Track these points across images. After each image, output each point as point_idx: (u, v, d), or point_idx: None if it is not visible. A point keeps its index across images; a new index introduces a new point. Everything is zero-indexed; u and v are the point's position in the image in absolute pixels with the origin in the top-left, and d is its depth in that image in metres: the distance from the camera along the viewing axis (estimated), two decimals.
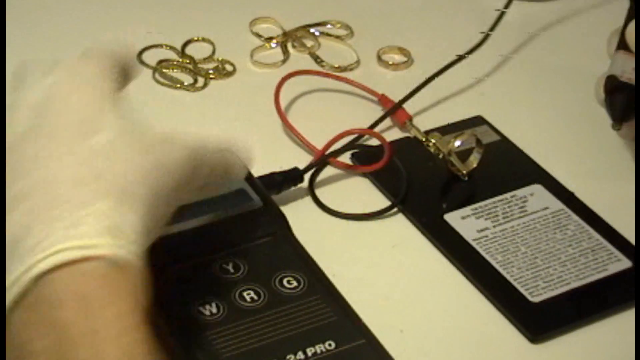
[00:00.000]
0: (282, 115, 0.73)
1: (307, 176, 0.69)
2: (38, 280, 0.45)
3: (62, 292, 0.45)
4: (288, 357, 0.56)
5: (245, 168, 0.58)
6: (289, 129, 0.72)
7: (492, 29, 0.78)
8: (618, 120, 0.67)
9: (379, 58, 0.80)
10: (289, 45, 0.81)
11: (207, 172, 0.55)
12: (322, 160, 0.70)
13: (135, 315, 0.46)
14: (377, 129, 0.71)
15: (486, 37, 0.78)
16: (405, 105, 0.73)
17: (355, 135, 0.70)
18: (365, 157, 0.70)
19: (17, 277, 0.45)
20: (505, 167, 0.71)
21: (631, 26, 0.66)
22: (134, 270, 0.48)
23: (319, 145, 0.70)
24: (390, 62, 0.79)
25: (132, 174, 0.50)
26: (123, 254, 0.47)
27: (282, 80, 0.74)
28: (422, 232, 0.66)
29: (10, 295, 0.45)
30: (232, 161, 0.57)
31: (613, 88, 0.67)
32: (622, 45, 0.68)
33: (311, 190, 0.68)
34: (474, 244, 0.64)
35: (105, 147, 0.50)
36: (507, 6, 0.80)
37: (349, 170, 0.70)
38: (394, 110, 0.73)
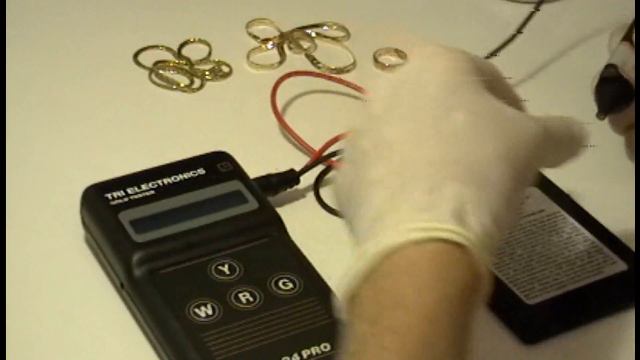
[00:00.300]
0: (278, 116, 0.73)
1: (303, 178, 0.69)
2: (383, 257, 0.47)
3: (399, 267, 0.47)
4: (283, 359, 0.56)
5: (586, 138, 0.56)
6: (286, 130, 0.72)
7: (520, 29, 0.78)
8: (604, 110, 0.65)
9: (375, 60, 0.80)
10: (286, 46, 0.81)
11: (553, 147, 0.54)
12: (318, 162, 0.70)
13: (450, 305, 0.46)
14: None
15: (513, 37, 0.77)
16: None
17: None
18: None
19: (364, 251, 0.47)
20: None
21: None
22: (469, 260, 0.47)
23: (315, 146, 0.70)
24: (387, 64, 0.79)
25: (486, 158, 0.49)
26: (463, 242, 0.47)
27: (279, 81, 0.74)
28: None
29: (357, 269, 0.47)
30: (575, 132, 0.56)
31: (609, 77, 0.66)
32: (629, 37, 0.66)
33: (316, 190, 0.68)
34: None
35: (460, 130, 0.50)
36: (538, 6, 0.79)
37: None
38: None
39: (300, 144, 0.71)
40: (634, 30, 0.66)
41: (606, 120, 0.68)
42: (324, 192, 0.69)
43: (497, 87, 0.54)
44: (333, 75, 0.77)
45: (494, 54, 0.76)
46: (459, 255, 0.47)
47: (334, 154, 0.69)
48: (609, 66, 0.66)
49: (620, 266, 0.64)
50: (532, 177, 0.52)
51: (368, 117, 0.52)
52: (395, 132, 0.50)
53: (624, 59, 0.65)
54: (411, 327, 0.45)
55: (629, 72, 0.65)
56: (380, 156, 0.50)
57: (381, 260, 0.47)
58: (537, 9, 0.79)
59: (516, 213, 0.51)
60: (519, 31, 0.78)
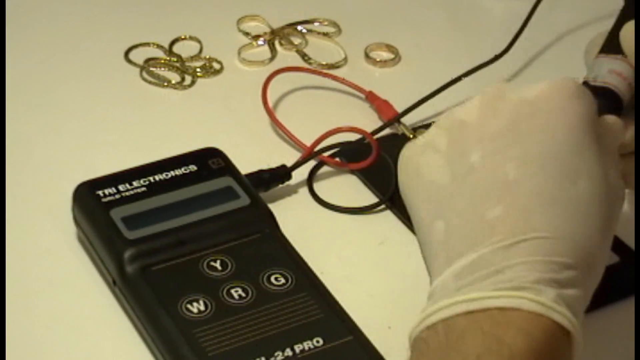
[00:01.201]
0: (270, 112, 0.73)
1: (295, 173, 0.69)
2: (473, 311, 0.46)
3: (481, 324, 0.45)
4: (276, 354, 0.56)
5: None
6: (277, 126, 0.72)
7: (520, 31, 0.77)
8: None
9: (367, 55, 0.80)
10: (277, 43, 0.81)
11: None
12: (310, 157, 0.70)
13: None
14: (362, 125, 0.71)
15: (516, 38, 0.77)
16: (392, 102, 0.74)
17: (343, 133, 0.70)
18: (352, 154, 0.70)
19: (449, 298, 0.47)
20: None
21: (628, 25, 0.61)
22: (570, 349, 0.46)
23: (307, 142, 0.70)
24: (378, 59, 0.80)
25: (595, 239, 0.48)
26: (570, 330, 0.46)
27: (270, 77, 0.74)
28: (410, 229, 0.66)
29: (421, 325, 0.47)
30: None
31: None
32: (605, 49, 0.62)
33: (309, 185, 0.68)
34: None
35: (579, 201, 0.47)
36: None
37: (337, 168, 0.70)
38: (393, 122, 0.72)
39: (292, 140, 0.71)
40: (620, 38, 0.61)
41: None
42: (317, 187, 0.69)
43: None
44: (324, 70, 0.77)
45: (505, 51, 0.75)
46: (564, 343, 0.46)
47: (325, 149, 0.69)
48: (583, 84, 0.60)
49: (612, 258, 0.64)
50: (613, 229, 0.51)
51: (480, 130, 0.49)
52: (517, 167, 0.48)
53: (596, 72, 0.60)
54: None
55: (606, 79, 0.59)
56: (497, 189, 0.48)
57: (448, 320, 0.46)
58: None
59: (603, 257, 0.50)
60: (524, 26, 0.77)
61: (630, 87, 0.60)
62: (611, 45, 0.61)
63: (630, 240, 0.65)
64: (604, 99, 0.58)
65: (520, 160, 0.48)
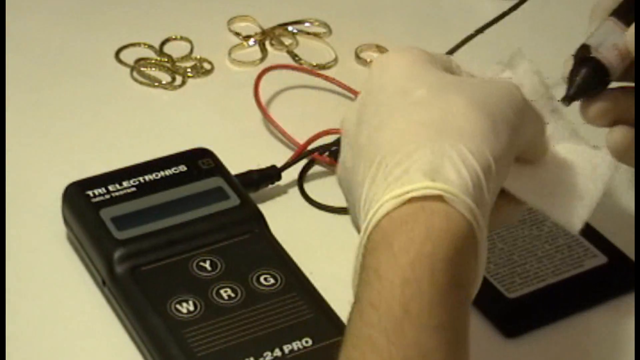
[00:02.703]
0: (262, 109, 0.73)
1: (285, 174, 0.69)
2: (369, 238, 0.47)
3: (377, 241, 0.47)
4: (265, 354, 0.56)
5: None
6: (270, 123, 0.72)
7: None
8: (568, 95, 0.58)
9: (357, 56, 0.80)
10: (267, 43, 0.81)
11: (531, 132, 0.53)
12: (300, 158, 0.70)
13: (428, 262, 0.45)
14: None
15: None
16: None
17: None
18: None
19: (363, 231, 0.48)
20: None
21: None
22: (447, 209, 0.46)
23: (296, 142, 0.70)
24: (368, 60, 0.80)
25: (458, 110, 0.49)
26: (437, 193, 0.46)
27: (261, 74, 0.74)
28: None
29: (358, 254, 0.49)
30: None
31: (581, 60, 0.59)
32: (618, 12, 0.60)
33: (300, 185, 0.68)
34: None
35: (425, 98, 0.50)
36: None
37: (328, 167, 0.70)
38: None
39: (285, 137, 0.71)
40: (623, 5, 0.60)
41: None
42: (308, 187, 0.69)
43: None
44: (314, 70, 0.77)
45: (479, 31, 0.75)
46: (434, 208, 0.46)
47: (315, 150, 0.69)
48: (582, 47, 0.59)
49: (601, 259, 0.64)
50: (513, 133, 0.51)
51: (345, 145, 0.53)
52: (366, 135, 0.51)
53: (603, 38, 0.59)
54: (388, 296, 0.45)
55: (605, 53, 0.58)
56: (357, 163, 0.51)
57: (367, 242, 0.47)
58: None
59: (503, 160, 0.50)
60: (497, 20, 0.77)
61: (626, 64, 0.59)
62: (625, 9, 0.60)
63: (617, 241, 0.65)
64: (594, 74, 0.58)
65: (367, 125, 0.51)
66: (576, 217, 0.55)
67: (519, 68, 0.58)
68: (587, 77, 0.58)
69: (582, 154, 0.58)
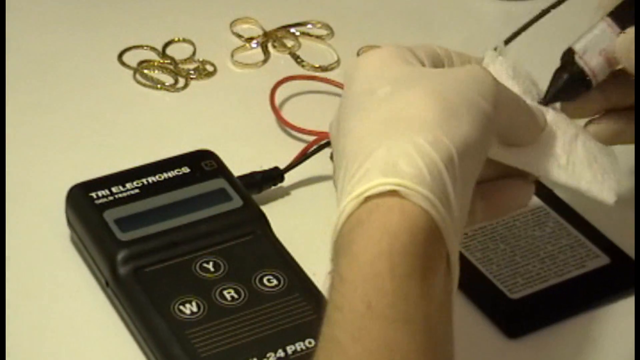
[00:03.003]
0: (278, 115, 0.73)
1: (287, 175, 0.69)
2: (334, 244, 0.48)
3: (340, 245, 0.47)
4: (268, 355, 0.56)
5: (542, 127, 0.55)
6: (285, 125, 0.72)
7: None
8: (546, 98, 0.58)
9: None
10: (270, 45, 0.81)
11: (508, 115, 0.52)
12: (302, 159, 0.70)
13: (387, 258, 0.45)
14: None
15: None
16: None
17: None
18: None
19: (330, 238, 0.48)
20: None
21: (626, 36, 0.57)
22: (404, 203, 0.46)
23: (299, 144, 0.71)
24: None
25: (413, 103, 0.49)
26: (392, 188, 0.46)
27: (277, 85, 0.74)
28: None
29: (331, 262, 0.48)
30: (538, 115, 0.54)
31: (563, 64, 0.58)
32: (614, 14, 0.57)
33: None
34: None
35: (385, 97, 0.50)
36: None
37: (329, 170, 0.70)
38: None
39: (299, 131, 0.72)
40: (620, 8, 0.58)
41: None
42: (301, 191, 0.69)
43: (446, 63, 0.54)
44: (319, 74, 0.77)
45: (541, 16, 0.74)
46: (390, 204, 0.46)
47: (317, 150, 0.69)
48: (568, 50, 0.58)
49: (603, 260, 0.64)
50: (485, 118, 0.50)
51: (332, 137, 0.53)
52: (338, 139, 0.51)
53: (592, 42, 0.57)
54: (350, 295, 0.45)
55: (589, 60, 0.57)
56: (337, 165, 0.51)
57: (333, 248, 0.48)
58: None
59: (465, 146, 0.48)
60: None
61: (612, 69, 0.58)
62: (622, 11, 0.58)
63: (619, 241, 0.65)
64: (573, 82, 0.57)
65: (337, 130, 0.51)
66: (608, 189, 0.56)
67: (495, 64, 0.58)
68: (566, 84, 0.57)
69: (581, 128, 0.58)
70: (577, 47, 0.58)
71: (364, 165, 0.48)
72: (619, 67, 0.58)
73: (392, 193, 0.46)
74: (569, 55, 0.58)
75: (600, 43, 0.57)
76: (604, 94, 0.59)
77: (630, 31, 0.57)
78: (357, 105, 0.51)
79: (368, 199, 0.46)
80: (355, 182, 0.47)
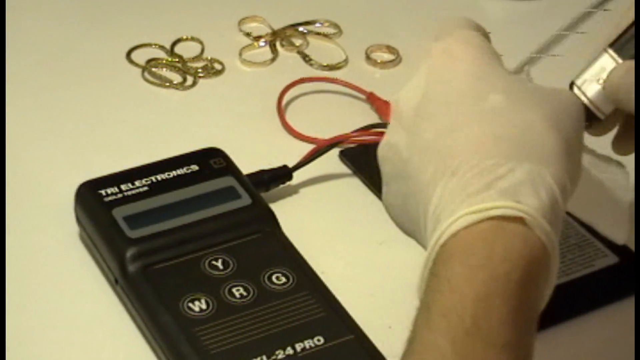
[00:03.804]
0: (283, 119, 0.73)
1: (296, 174, 0.69)
2: (440, 247, 0.47)
3: (452, 252, 0.47)
4: (277, 352, 0.56)
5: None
6: (291, 132, 0.72)
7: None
8: None
9: (367, 56, 0.80)
10: (278, 44, 0.81)
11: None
12: (311, 158, 0.70)
13: (504, 283, 0.45)
14: (364, 123, 0.71)
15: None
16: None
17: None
18: (353, 155, 0.71)
19: (435, 239, 0.48)
20: None
21: (622, 71, 0.56)
22: (526, 233, 0.47)
23: (307, 144, 0.71)
24: (379, 60, 0.80)
25: (535, 128, 0.49)
26: (518, 215, 0.46)
27: (287, 88, 0.74)
28: None
29: (422, 266, 0.48)
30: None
31: None
32: (615, 44, 0.57)
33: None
34: None
35: (501, 108, 0.50)
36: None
37: (338, 169, 0.71)
38: None
39: (305, 140, 0.72)
40: (622, 39, 0.56)
41: None
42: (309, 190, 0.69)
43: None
44: (327, 74, 0.77)
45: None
46: (514, 230, 0.46)
47: (327, 149, 0.69)
48: (570, 83, 0.57)
49: (611, 259, 0.64)
50: (582, 143, 0.52)
51: (399, 128, 0.52)
52: (432, 133, 0.50)
53: (592, 74, 0.56)
54: (459, 307, 0.45)
55: (589, 92, 0.56)
56: (424, 160, 0.50)
57: (440, 251, 0.47)
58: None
59: (575, 179, 0.50)
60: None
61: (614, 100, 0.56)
62: (623, 42, 0.57)
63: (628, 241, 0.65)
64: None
65: (432, 122, 0.51)
66: (622, 230, 0.57)
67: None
68: None
69: (598, 166, 0.58)
70: (578, 80, 0.57)
71: (482, 177, 0.48)
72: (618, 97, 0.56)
73: (516, 219, 0.47)
74: (570, 89, 0.57)
75: (601, 75, 0.56)
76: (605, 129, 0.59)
77: (628, 63, 0.56)
78: (463, 106, 0.50)
79: (491, 217, 0.47)
80: (472, 193, 0.47)
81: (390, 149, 0.53)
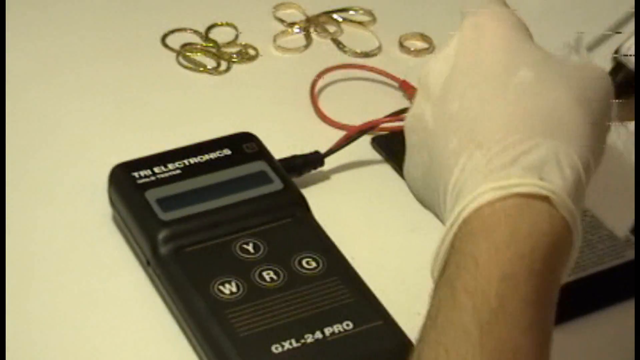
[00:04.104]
0: (316, 106, 0.73)
1: (328, 160, 0.69)
2: (463, 222, 0.47)
3: (476, 228, 0.47)
4: (306, 336, 0.57)
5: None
6: (324, 119, 0.73)
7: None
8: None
9: (401, 44, 0.80)
10: (312, 30, 0.81)
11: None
12: (344, 145, 0.70)
13: (528, 261, 0.45)
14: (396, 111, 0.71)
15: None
16: None
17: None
18: (385, 142, 0.71)
19: (456, 213, 0.47)
20: None
21: None
22: (552, 211, 0.47)
23: (340, 130, 0.71)
24: (412, 49, 0.80)
25: (563, 106, 0.49)
26: (543, 193, 0.46)
27: (320, 74, 0.74)
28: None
29: (442, 239, 0.48)
30: None
31: (617, 63, 0.59)
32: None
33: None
34: None
35: (530, 83, 0.49)
36: None
37: (370, 156, 0.71)
38: None
39: (338, 128, 0.72)
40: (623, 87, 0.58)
41: None
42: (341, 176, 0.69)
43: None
44: (361, 63, 0.77)
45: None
46: (540, 208, 0.46)
47: (359, 135, 0.70)
48: (616, 51, 0.60)
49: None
50: (608, 122, 0.51)
51: (426, 99, 0.52)
52: (459, 105, 0.50)
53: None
54: (485, 286, 0.45)
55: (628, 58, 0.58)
56: (448, 131, 0.50)
57: (462, 226, 0.47)
58: None
59: (599, 156, 0.50)
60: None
61: None
62: (622, 89, 0.58)
63: None
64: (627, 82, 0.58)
65: (461, 96, 0.50)
66: (624, 225, 0.57)
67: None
68: (621, 84, 0.57)
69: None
70: (624, 47, 0.59)
71: (508, 153, 0.47)
72: None
73: (542, 197, 0.47)
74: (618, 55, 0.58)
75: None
76: None
77: None
78: (492, 80, 0.50)
79: (516, 194, 0.46)
80: (496, 168, 0.47)
81: (416, 120, 0.53)
